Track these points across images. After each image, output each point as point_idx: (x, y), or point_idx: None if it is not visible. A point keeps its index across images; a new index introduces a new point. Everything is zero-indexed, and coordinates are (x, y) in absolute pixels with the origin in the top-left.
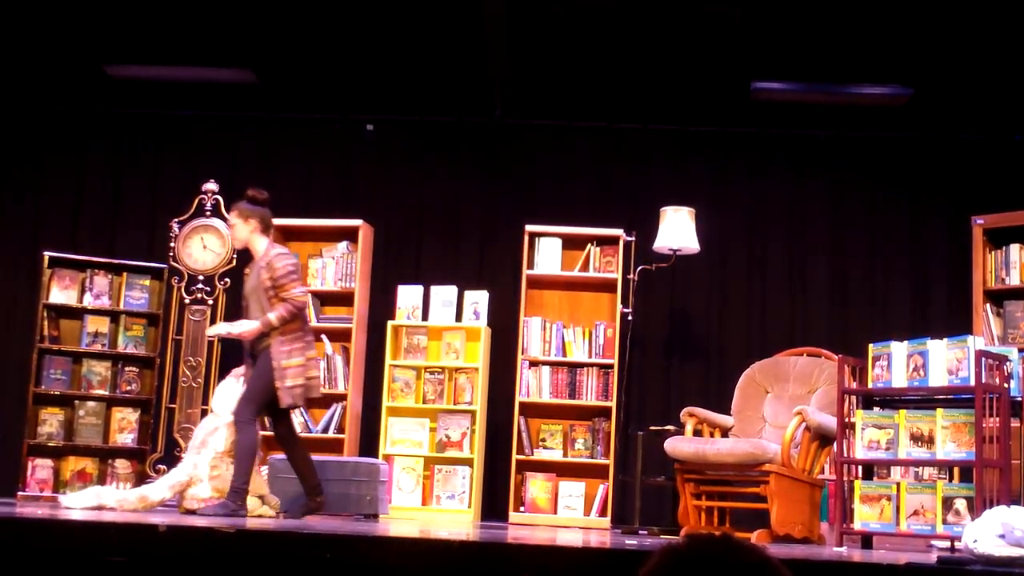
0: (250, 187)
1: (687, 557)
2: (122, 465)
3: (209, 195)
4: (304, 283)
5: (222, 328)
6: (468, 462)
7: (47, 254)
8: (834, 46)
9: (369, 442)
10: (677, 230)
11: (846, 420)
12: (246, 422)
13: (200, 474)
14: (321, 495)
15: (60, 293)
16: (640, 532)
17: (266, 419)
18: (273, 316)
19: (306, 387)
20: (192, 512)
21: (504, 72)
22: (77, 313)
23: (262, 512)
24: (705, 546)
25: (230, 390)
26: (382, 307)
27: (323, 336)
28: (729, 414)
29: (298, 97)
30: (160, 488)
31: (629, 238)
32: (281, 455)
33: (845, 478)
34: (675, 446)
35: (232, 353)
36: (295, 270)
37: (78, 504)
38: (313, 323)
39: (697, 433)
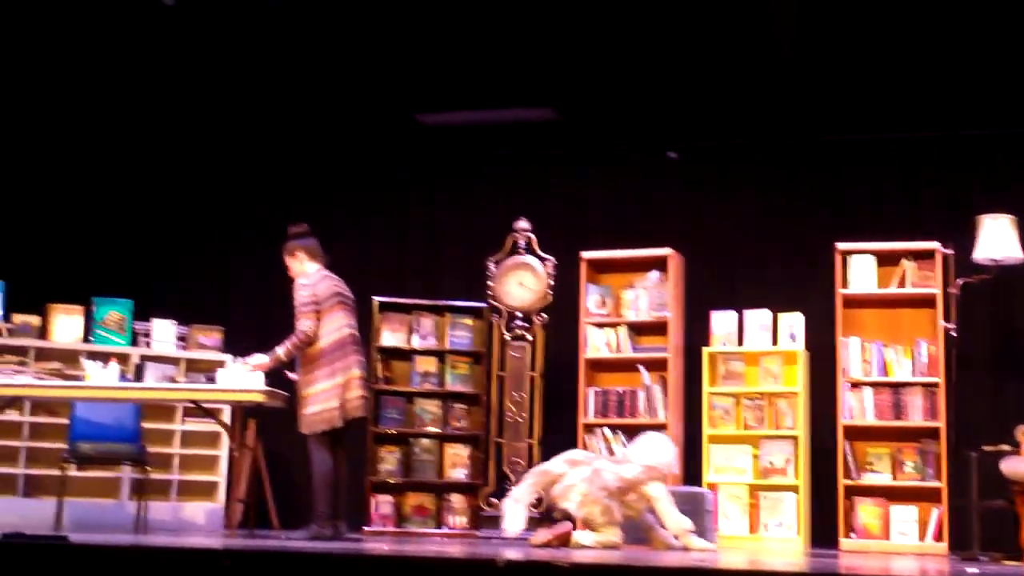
0: (290, 224)
1: None
2: (456, 499)
3: (521, 233)
4: (326, 313)
5: (240, 362)
6: (794, 488)
7: (376, 299)
8: None
9: (692, 470)
10: (997, 239)
11: None
12: (313, 449)
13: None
14: (327, 525)
15: (390, 336)
16: (981, 558)
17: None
18: (280, 350)
19: (335, 413)
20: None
21: (805, 89)
22: (406, 354)
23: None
24: None
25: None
26: (697, 334)
27: (640, 366)
28: None
29: (599, 131)
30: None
31: (946, 251)
32: None
33: None
34: (1012, 466)
35: (552, 387)
36: (310, 302)
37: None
38: (628, 353)
39: None
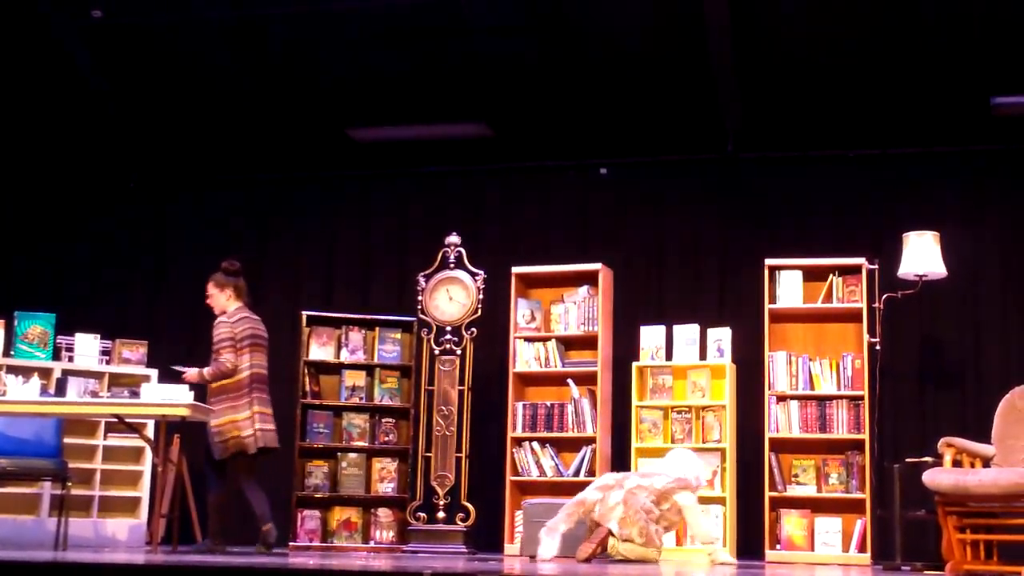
0: (225, 260)
1: None
2: (384, 514)
3: (452, 248)
4: (239, 353)
5: (177, 367)
6: (720, 500)
7: (305, 313)
8: None
9: None
10: (922, 255)
11: None
12: (232, 472)
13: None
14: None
15: (319, 349)
16: (903, 568)
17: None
18: (206, 370)
19: (228, 441)
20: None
21: (735, 106)
22: (335, 368)
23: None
24: None
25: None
26: (626, 348)
27: (569, 380)
28: (988, 443)
29: (531, 146)
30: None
31: (872, 266)
32: (535, 499)
33: None
34: (934, 478)
35: (481, 401)
36: (228, 339)
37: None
38: (558, 367)
39: (956, 464)
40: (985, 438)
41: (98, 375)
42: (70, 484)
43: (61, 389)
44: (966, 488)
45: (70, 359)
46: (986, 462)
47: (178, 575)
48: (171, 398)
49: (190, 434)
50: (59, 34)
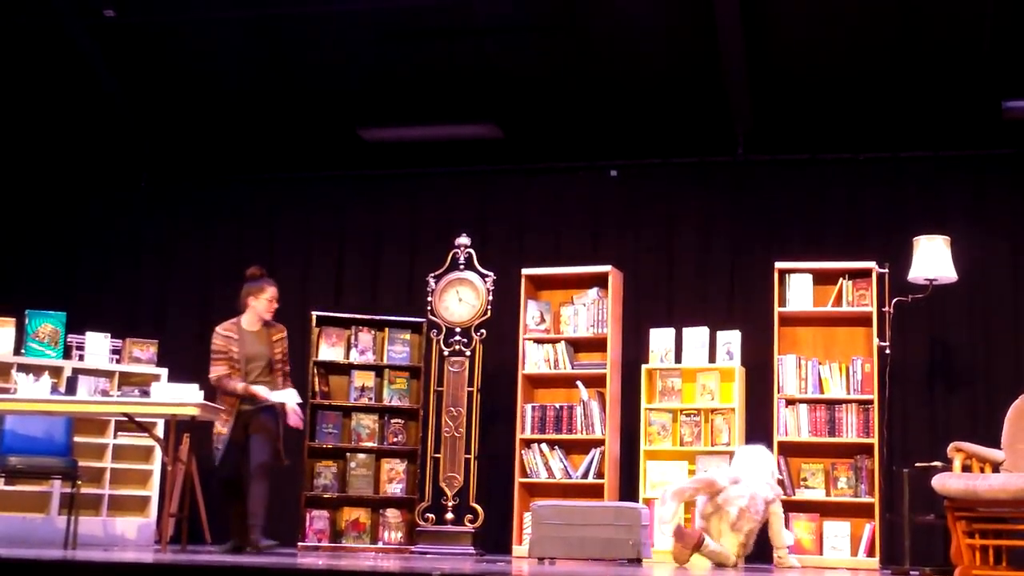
0: (254, 266)
1: None
2: (392, 514)
3: (462, 249)
4: (219, 364)
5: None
6: None
7: (314, 313)
8: None
9: (629, 486)
10: (932, 259)
11: None
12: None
13: None
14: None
15: (328, 350)
16: (912, 572)
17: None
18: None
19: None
20: None
21: (745, 109)
22: (344, 369)
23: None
24: None
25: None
26: (635, 351)
27: (578, 382)
28: (998, 448)
29: (542, 147)
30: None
31: (882, 270)
32: (544, 501)
33: None
34: (944, 483)
35: (490, 402)
36: (215, 350)
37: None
38: (567, 369)
39: (966, 468)
40: (995, 443)
41: (108, 374)
42: (80, 483)
43: (71, 388)
44: (975, 493)
45: (80, 358)
46: (996, 467)
47: (187, 574)
48: (181, 397)
49: (200, 433)
50: (72, 33)
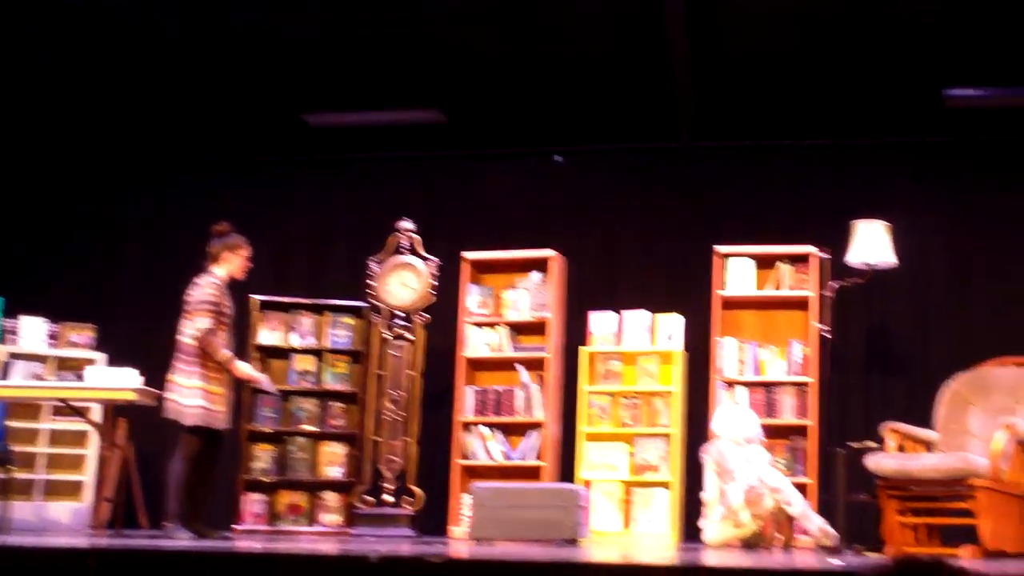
0: (223, 222)
1: None
2: (331, 498)
3: (404, 233)
4: (205, 316)
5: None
6: (667, 485)
7: (256, 298)
8: None
9: (567, 468)
10: (871, 244)
11: None
12: (183, 444)
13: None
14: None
15: (269, 334)
16: (846, 551)
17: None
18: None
19: (217, 415)
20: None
21: (689, 94)
22: (285, 353)
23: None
24: (916, 570)
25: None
26: (576, 335)
27: (519, 365)
28: (932, 429)
29: (486, 133)
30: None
31: (822, 255)
32: (483, 483)
33: None
34: (878, 463)
35: (432, 386)
36: (206, 300)
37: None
38: (508, 353)
39: (900, 449)
40: (930, 425)
41: (45, 358)
42: (12, 468)
43: (6, 372)
44: (908, 472)
45: (15, 342)
46: (929, 448)
47: (121, 559)
48: (117, 382)
49: (137, 418)
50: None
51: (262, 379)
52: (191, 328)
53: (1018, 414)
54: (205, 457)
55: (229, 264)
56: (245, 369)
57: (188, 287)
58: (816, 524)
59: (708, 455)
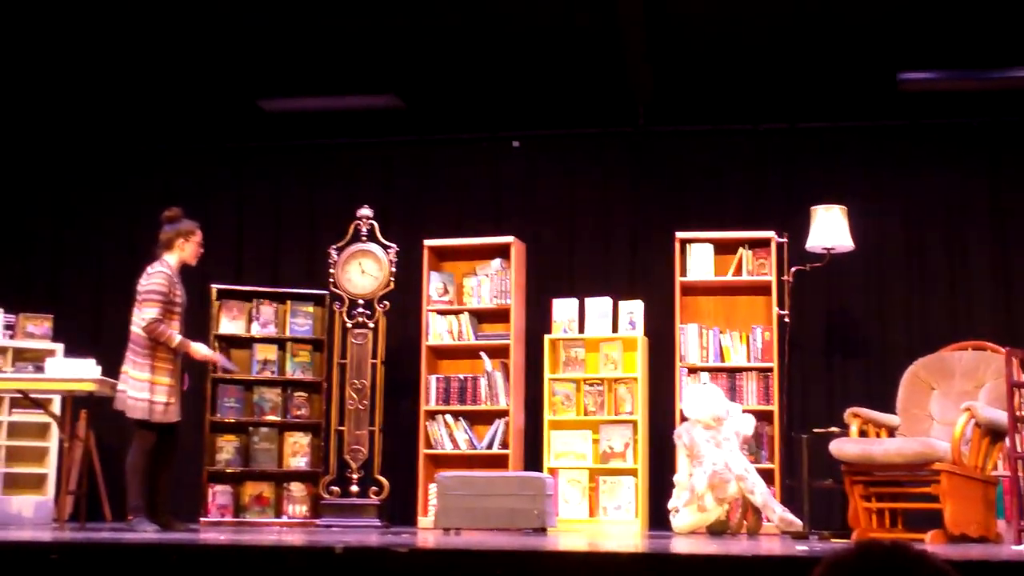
0: (174, 208)
1: (858, 567)
2: (297, 488)
3: (364, 220)
4: (154, 305)
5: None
6: (632, 472)
7: (215, 286)
8: (980, 31)
9: (533, 456)
10: (829, 229)
11: (1017, 414)
12: (139, 437)
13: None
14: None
15: (229, 323)
16: (810, 536)
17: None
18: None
19: (167, 408)
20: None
21: (645, 80)
22: (246, 342)
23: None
24: (876, 555)
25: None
26: (538, 322)
27: (482, 353)
28: (894, 413)
29: (443, 118)
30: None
31: (781, 240)
32: (449, 472)
33: (1020, 474)
34: (841, 448)
35: (394, 374)
36: (155, 290)
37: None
38: (470, 340)
39: (863, 434)
40: (891, 409)
41: (1, 350)
42: None
43: None
44: (871, 457)
45: None
46: (891, 432)
47: (86, 553)
48: (77, 373)
49: (99, 409)
50: None
51: (219, 357)
52: (140, 318)
53: (978, 398)
54: (161, 448)
55: (181, 251)
56: (201, 350)
57: (140, 276)
58: (778, 514)
59: (680, 438)
